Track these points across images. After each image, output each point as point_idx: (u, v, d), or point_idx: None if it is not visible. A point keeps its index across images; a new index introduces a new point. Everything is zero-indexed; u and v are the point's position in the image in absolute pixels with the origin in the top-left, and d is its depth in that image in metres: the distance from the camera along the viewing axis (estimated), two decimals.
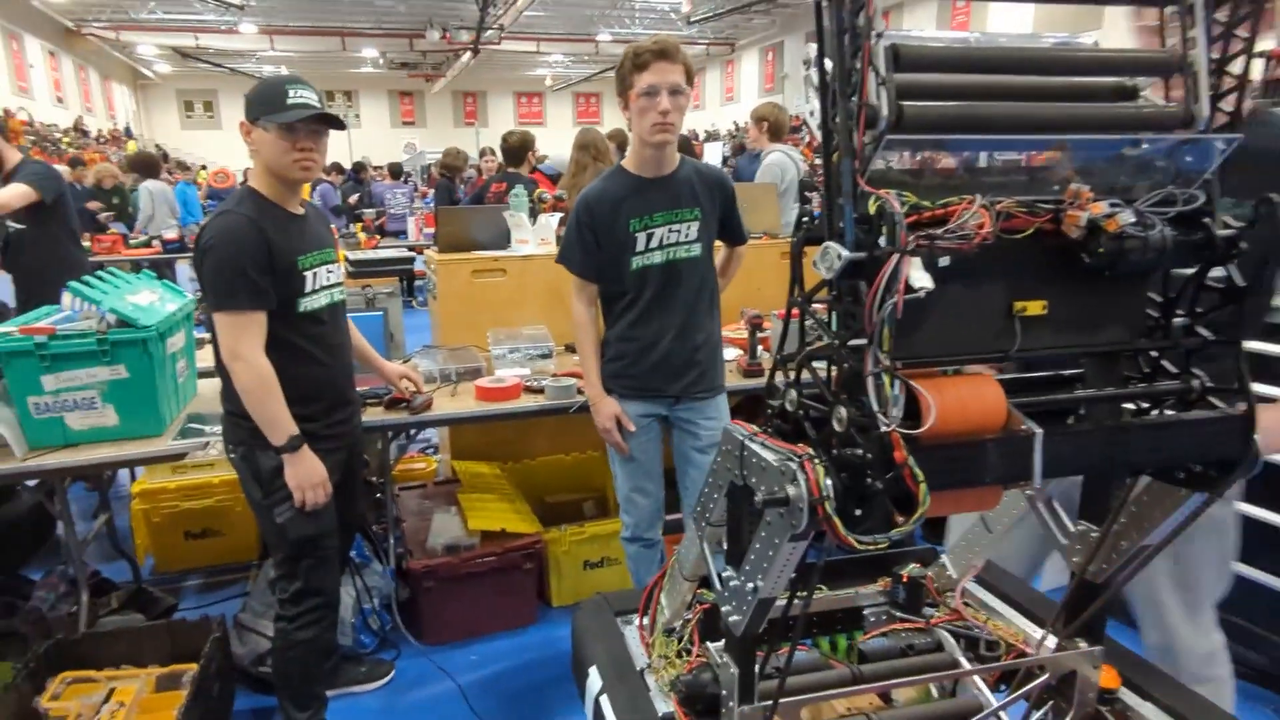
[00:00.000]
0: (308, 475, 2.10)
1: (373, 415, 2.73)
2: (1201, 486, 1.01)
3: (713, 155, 14.22)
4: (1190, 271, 0.96)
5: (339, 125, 2.12)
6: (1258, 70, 2.31)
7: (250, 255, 1.98)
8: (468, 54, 17.84)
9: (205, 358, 3.08)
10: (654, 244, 2.36)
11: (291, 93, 2.00)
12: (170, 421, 2.67)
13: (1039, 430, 0.91)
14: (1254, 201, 0.89)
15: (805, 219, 0.95)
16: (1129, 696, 1.25)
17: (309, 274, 2.13)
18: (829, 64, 0.88)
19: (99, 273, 2.77)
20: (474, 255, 3.61)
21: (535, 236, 3.69)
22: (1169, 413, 1.00)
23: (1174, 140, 0.92)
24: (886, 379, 0.87)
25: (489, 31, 15.57)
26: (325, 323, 2.20)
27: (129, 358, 2.48)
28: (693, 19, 16.48)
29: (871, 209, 0.86)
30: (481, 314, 3.50)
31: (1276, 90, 2.27)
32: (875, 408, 0.88)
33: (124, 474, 3.96)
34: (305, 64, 21.48)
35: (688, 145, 6.69)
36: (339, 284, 2.28)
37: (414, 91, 25.42)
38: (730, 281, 2.68)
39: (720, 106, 21.21)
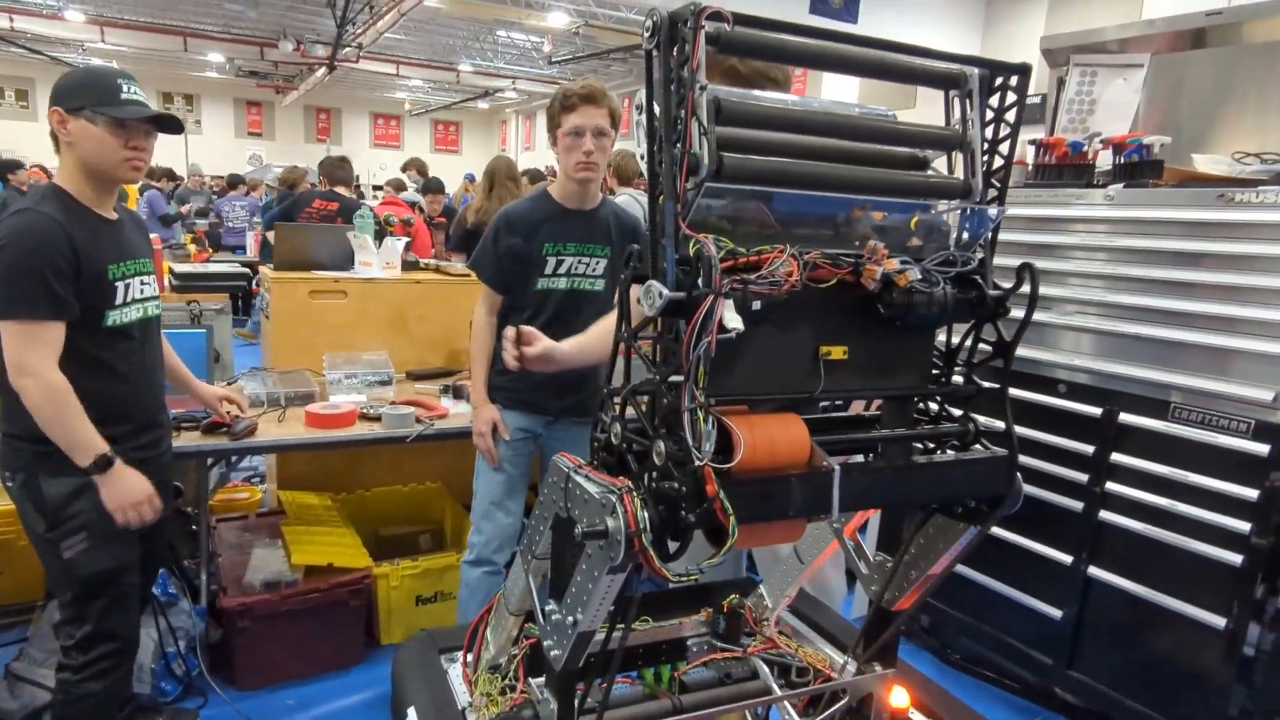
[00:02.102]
0: (128, 493, 1.90)
1: (188, 440, 2.54)
2: (975, 520, 1.12)
3: None
4: (967, 326, 1.07)
5: (178, 128, 1.98)
6: (1030, 156, 2.65)
7: (50, 258, 1.78)
8: (323, 69, 17.17)
9: None
10: (562, 270, 2.47)
11: (125, 87, 1.87)
12: None
13: (837, 466, 0.98)
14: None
15: (631, 258, 0.99)
16: (918, 716, 1.35)
17: (120, 285, 1.95)
18: (658, 111, 0.92)
19: None
20: (313, 275, 3.45)
21: (380, 259, 3.58)
22: (949, 453, 1.11)
23: (955, 208, 1.03)
24: (700, 415, 0.92)
25: (346, 49, 15.05)
26: (135, 338, 2.02)
27: None
28: (554, 59, 16.70)
29: (691, 251, 0.91)
30: (318, 337, 3.35)
31: (1045, 175, 2.60)
32: (690, 442, 0.91)
33: None
34: (140, 61, 19.85)
35: (540, 178, 6.79)
36: (154, 298, 2.11)
37: (263, 102, 24.11)
38: None
39: None
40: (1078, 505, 2.50)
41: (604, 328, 1.99)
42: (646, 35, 0.88)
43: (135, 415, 2.04)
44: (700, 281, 0.89)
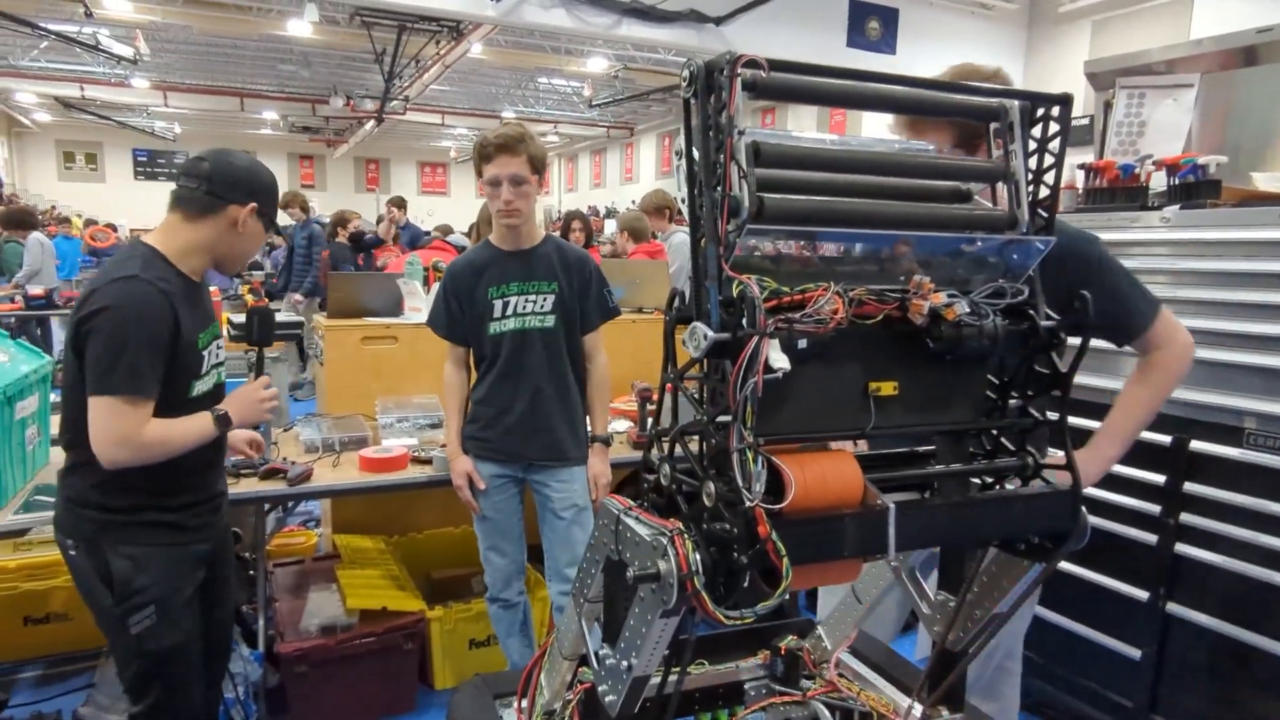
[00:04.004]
0: (247, 412, 1.99)
1: (247, 486, 2.60)
2: (1039, 556, 1.08)
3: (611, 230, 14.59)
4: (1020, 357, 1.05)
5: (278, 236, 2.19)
6: (1080, 180, 2.60)
7: (158, 332, 1.74)
8: (371, 122, 17.77)
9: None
10: (509, 312, 2.50)
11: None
12: (14, 493, 2.46)
13: (892, 505, 0.96)
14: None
15: (676, 299, 0.99)
16: None
17: (205, 353, 1.92)
18: (697, 156, 0.94)
19: None
20: (365, 321, 3.54)
21: (428, 304, 3.65)
22: (1009, 487, 1.08)
23: (1002, 240, 1.02)
24: (750, 455, 0.91)
25: (394, 102, 15.58)
26: (208, 406, 1.94)
27: None
28: (594, 103, 17.05)
29: (735, 292, 0.91)
30: (371, 382, 3.42)
31: (1096, 199, 2.54)
32: (740, 483, 0.91)
33: None
34: (201, 122, 20.83)
35: (585, 221, 6.92)
36: (224, 362, 2.07)
37: (314, 155, 25.04)
38: (597, 369, 2.64)
39: (620, 186, 21.86)
40: (1151, 538, 2.40)
41: None
42: (684, 84, 0.89)
43: (202, 486, 2.00)
44: (745, 322, 0.89)
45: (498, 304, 2.49)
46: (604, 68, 13.84)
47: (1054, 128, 1.00)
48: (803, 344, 0.93)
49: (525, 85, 17.19)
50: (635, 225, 6.05)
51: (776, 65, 0.90)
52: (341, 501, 3.51)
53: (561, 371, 2.55)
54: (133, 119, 20.50)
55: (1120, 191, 2.53)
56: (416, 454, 2.91)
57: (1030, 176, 1.02)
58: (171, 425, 1.81)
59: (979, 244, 1.02)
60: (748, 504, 0.90)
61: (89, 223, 14.04)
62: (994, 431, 1.10)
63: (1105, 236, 2.49)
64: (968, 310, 0.97)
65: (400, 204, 8.33)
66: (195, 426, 1.85)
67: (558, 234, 5.36)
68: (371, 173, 26.02)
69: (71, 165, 23.38)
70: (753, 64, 0.87)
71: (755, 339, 0.87)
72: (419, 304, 3.66)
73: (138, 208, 19.46)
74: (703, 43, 7.78)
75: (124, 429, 1.73)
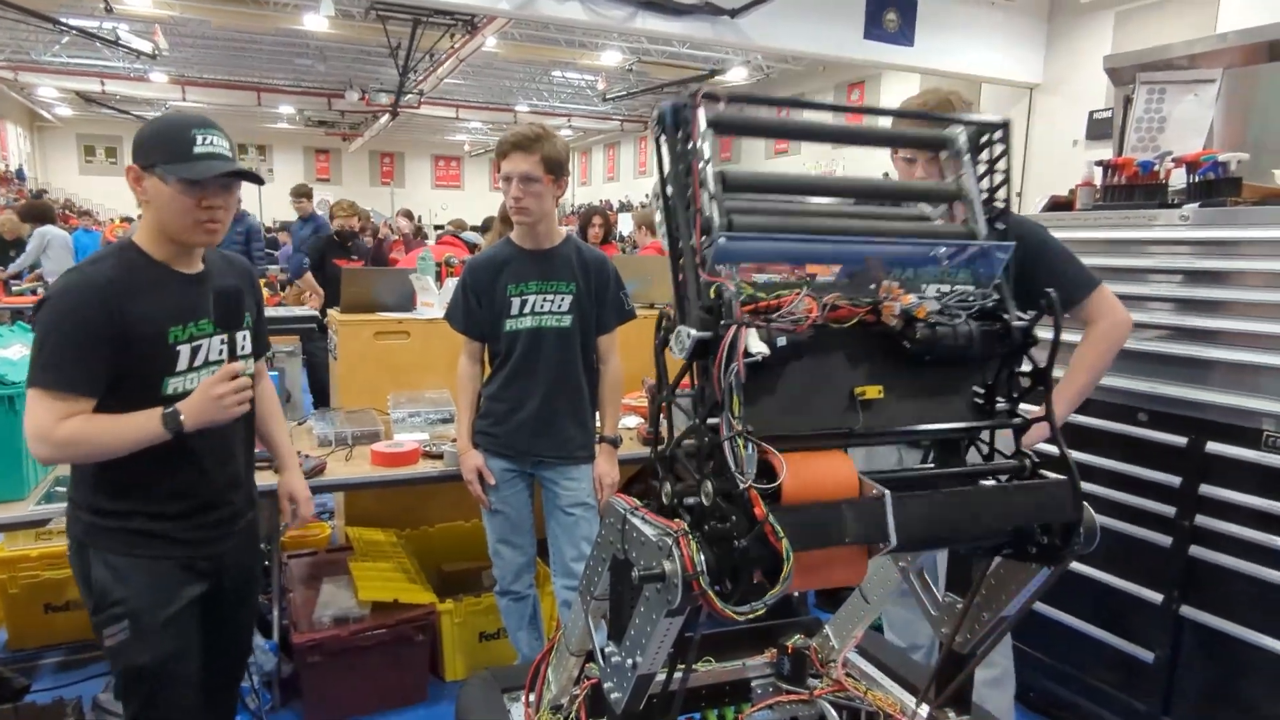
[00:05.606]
0: (203, 407, 1.65)
1: (261, 479, 2.61)
2: (1047, 560, 1.07)
3: (625, 225, 14.64)
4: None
5: (255, 179, 1.78)
6: (1098, 177, 2.57)
7: (85, 326, 1.59)
8: (386, 116, 17.84)
9: None
10: (526, 310, 2.51)
11: (199, 139, 1.64)
12: (35, 484, 2.50)
13: (888, 491, 0.96)
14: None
15: (663, 319, 1.01)
16: None
17: (184, 348, 1.71)
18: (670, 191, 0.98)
19: None
20: (377, 316, 3.56)
21: (441, 299, 3.67)
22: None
23: (965, 255, 1.07)
24: (740, 441, 0.91)
25: (408, 96, 15.62)
26: None
27: None
28: (608, 96, 17.04)
29: (712, 294, 0.93)
30: (383, 376, 3.44)
31: (1114, 196, 2.51)
32: (732, 468, 0.91)
33: None
34: (218, 116, 20.74)
35: (605, 216, 6.90)
36: (247, 355, 1.85)
37: (330, 149, 25.19)
38: (610, 371, 2.64)
39: (634, 179, 21.89)
40: (1166, 540, 2.37)
41: None
42: (653, 126, 0.95)
43: (194, 492, 1.78)
44: (723, 313, 0.92)
45: (515, 301, 2.50)
46: (618, 61, 13.82)
47: (999, 149, 1.07)
48: (782, 341, 0.95)
49: (539, 79, 17.20)
50: (650, 219, 6.07)
51: (737, 98, 0.96)
52: (354, 495, 3.54)
53: (574, 371, 2.56)
54: (152, 113, 20.69)
55: (1139, 189, 2.49)
56: (428, 449, 2.93)
57: (985, 195, 1.09)
58: (93, 422, 1.61)
59: (946, 261, 1.05)
60: (741, 486, 0.90)
61: (126, 220, 14.23)
62: (985, 435, 1.11)
63: (1123, 235, 2.48)
64: (937, 309, 1.01)
65: (306, 193, 7.40)
66: (132, 426, 1.62)
67: (575, 228, 5.34)
68: (386, 166, 26.14)
69: (92, 159, 23.64)
70: (712, 98, 0.93)
71: (733, 328, 0.90)
72: (431, 299, 3.67)
73: None
74: (718, 35, 7.74)
75: (39, 423, 1.58)
